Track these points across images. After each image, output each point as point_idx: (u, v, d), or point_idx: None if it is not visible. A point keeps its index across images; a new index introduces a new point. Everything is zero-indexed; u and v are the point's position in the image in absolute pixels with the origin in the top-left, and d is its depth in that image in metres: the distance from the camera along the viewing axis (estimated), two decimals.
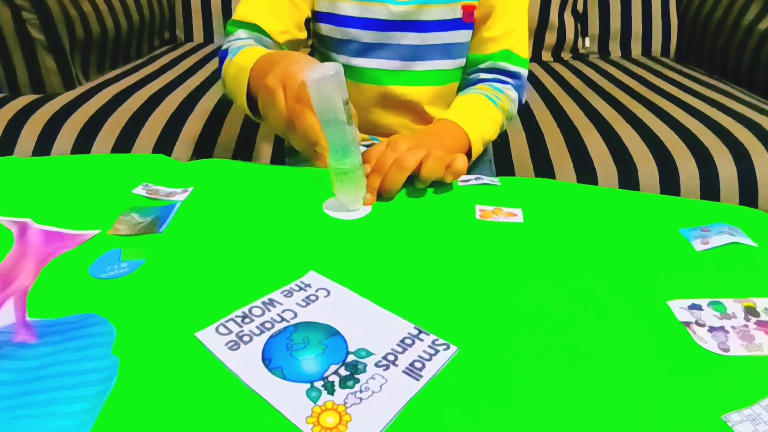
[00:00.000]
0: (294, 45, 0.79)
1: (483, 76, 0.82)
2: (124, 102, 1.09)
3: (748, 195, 0.94)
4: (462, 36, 0.79)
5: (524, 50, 0.82)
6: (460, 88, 0.85)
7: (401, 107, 0.83)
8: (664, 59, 1.65)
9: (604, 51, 1.69)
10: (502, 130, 0.81)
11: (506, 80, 0.81)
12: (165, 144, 1.00)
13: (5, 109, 1.05)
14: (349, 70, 0.80)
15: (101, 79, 1.25)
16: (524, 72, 0.83)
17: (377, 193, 0.57)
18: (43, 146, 1.00)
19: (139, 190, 0.57)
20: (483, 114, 0.76)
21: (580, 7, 1.64)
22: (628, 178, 0.95)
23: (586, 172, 0.97)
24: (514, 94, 0.82)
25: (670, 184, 0.94)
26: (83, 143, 1.00)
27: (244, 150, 1.03)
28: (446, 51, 0.80)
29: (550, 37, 1.62)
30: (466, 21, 0.78)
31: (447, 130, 0.70)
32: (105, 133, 1.02)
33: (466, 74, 0.84)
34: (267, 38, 0.75)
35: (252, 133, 1.06)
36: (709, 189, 0.94)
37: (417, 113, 0.83)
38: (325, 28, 0.79)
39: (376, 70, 0.80)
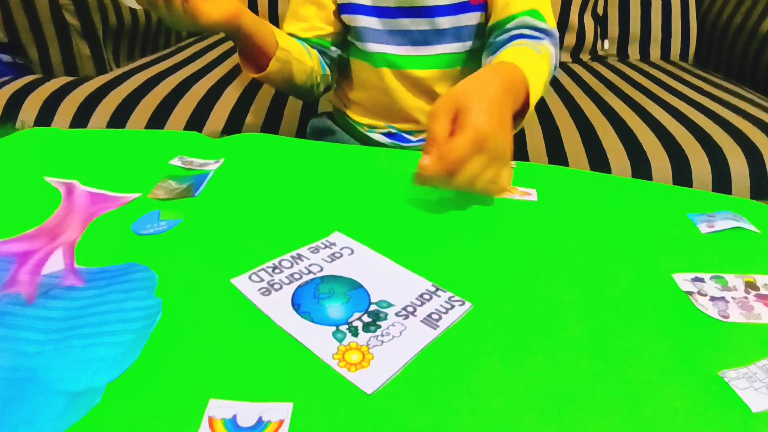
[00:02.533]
0: (325, 38, 0.87)
1: (514, 33, 0.75)
2: (154, 87, 1.13)
3: (759, 193, 0.95)
4: (471, 18, 0.81)
5: (550, 17, 0.78)
6: (485, 56, 0.80)
7: (416, 89, 0.86)
8: (683, 63, 1.66)
9: (623, 53, 1.70)
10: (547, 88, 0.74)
11: (539, 36, 0.75)
12: (194, 127, 1.04)
13: (41, 90, 1.10)
14: (365, 55, 0.85)
15: (132, 66, 1.30)
16: (555, 31, 0.77)
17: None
18: (78, 126, 1.04)
19: (175, 161, 0.61)
20: (541, 69, 0.67)
21: (600, 10, 1.66)
22: (642, 174, 0.97)
23: (600, 168, 0.99)
24: (554, 49, 0.75)
25: (682, 180, 0.96)
26: (116, 125, 1.04)
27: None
28: (457, 34, 0.82)
29: (570, 39, 1.64)
30: (474, 3, 0.80)
31: (513, 84, 0.59)
32: (137, 116, 1.06)
33: (493, 38, 0.78)
34: (297, 39, 0.85)
35: (277, 119, 1.09)
36: (721, 187, 0.96)
37: (432, 95, 0.86)
38: (346, 18, 0.84)
39: (391, 55, 0.83)
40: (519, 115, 0.62)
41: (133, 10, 1.36)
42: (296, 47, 0.82)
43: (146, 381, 0.33)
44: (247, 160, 0.61)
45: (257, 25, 0.75)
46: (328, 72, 0.89)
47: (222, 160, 0.61)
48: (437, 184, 0.50)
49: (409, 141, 0.90)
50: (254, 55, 0.79)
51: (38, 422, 0.30)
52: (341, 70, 0.93)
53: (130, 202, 0.52)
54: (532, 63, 0.65)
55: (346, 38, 0.88)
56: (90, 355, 0.35)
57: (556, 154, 1.03)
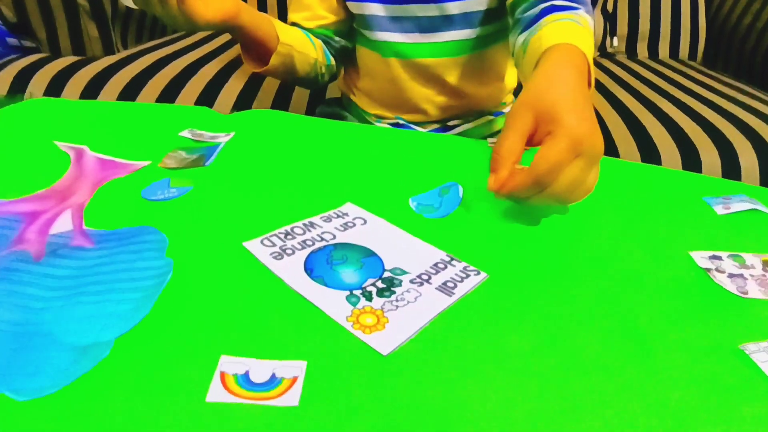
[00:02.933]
0: (328, 27, 0.86)
1: (543, 6, 0.66)
2: (162, 68, 1.13)
3: None
4: (481, 3, 0.80)
5: None
6: (513, 34, 0.73)
7: (424, 78, 0.84)
8: (691, 62, 1.65)
9: (631, 51, 1.69)
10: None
11: (573, 5, 0.66)
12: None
13: (48, 68, 1.09)
14: (373, 44, 0.84)
15: (140, 48, 1.29)
16: None
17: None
18: None
19: (185, 134, 0.60)
20: (589, 43, 0.60)
21: (609, 7, 1.65)
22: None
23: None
24: (591, 20, 0.66)
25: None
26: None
27: None
28: (466, 20, 0.81)
29: None
30: None
31: (581, 68, 0.53)
32: (144, 95, 1.05)
33: (520, 14, 0.71)
34: (300, 28, 0.85)
35: (285, 104, 1.09)
36: (731, 179, 0.95)
37: (441, 84, 0.85)
38: (351, 6, 0.83)
39: (398, 43, 0.82)
40: None
41: None
42: (299, 39, 0.81)
43: (156, 336, 0.32)
44: (259, 134, 0.61)
45: (256, 21, 0.75)
46: (333, 62, 0.89)
47: (233, 134, 0.60)
48: (523, 197, 0.44)
49: None
50: (256, 50, 0.78)
51: (44, 373, 0.30)
52: (348, 57, 0.92)
53: (139, 169, 0.52)
54: (582, 38, 0.57)
55: (351, 27, 0.88)
56: (99, 311, 0.34)
57: None
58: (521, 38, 0.67)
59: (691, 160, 0.97)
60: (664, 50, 1.69)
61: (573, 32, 0.58)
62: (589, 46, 0.58)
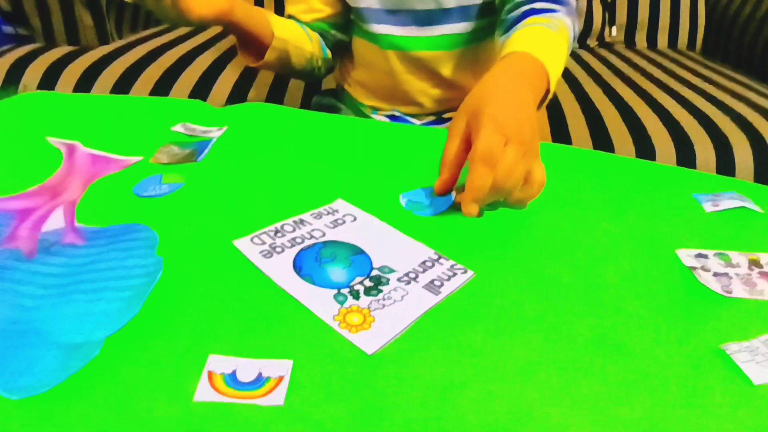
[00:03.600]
0: (324, 21, 0.86)
1: (525, 8, 0.69)
2: (157, 59, 1.12)
3: (764, 182, 0.95)
4: None
5: None
6: (498, 33, 0.76)
7: (421, 71, 0.84)
8: (690, 52, 1.64)
9: (630, 41, 1.69)
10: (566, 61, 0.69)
11: (553, 8, 0.69)
12: (198, 97, 1.03)
13: (42, 59, 1.09)
14: (371, 36, 0.83)
15: (135, 37, 1.29)
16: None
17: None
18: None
19: (178, 128, 0.60)
20: (557, 48, 0.63)
21: None
22: (646, 159, 0.97)
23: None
24: (569, 20, 0.69)
25: (686, 166, 0.95)
26: (119, 93, 1.03)
27: None
28: (463, 13, 0.81)
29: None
30: None
31: (527, 70, 0.57)
32: (138, 87, 1.05)
33: (504, 14, 0.74)
34: (297, 21, 0.84)
35: (281, 95, 1.09)
36: (725, 174, 0.95)
37: (437, 77, 0.85)
38: None
39: (395, 36, 0.82)
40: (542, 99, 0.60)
41: None
42: (295, 34, 0.81)
43: (146, 335, 0.33)
44: (252, 129, 0.61)
45: (251, 17, 0.75)
46: (330, 55, 0.89)
47: (225, 128, 0.60)
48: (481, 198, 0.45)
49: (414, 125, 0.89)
50: (251, 45, 0.78)
51: (36, 372, 0.30)
52: (344, 49, 0.92)
53: (131, 165, 0.52)
54: (548, 44, 0.61)
55: (348, 20, 0.87)
56: (89, 309, 0.35)
57: (561, 139, 1.02)
58: (500, 41, 0.70)
59: (686, 154, 0.97)
60: (662, 40, 1.68)
61: (537, 39, 0.62)
62: (556, 51, 0.61)
